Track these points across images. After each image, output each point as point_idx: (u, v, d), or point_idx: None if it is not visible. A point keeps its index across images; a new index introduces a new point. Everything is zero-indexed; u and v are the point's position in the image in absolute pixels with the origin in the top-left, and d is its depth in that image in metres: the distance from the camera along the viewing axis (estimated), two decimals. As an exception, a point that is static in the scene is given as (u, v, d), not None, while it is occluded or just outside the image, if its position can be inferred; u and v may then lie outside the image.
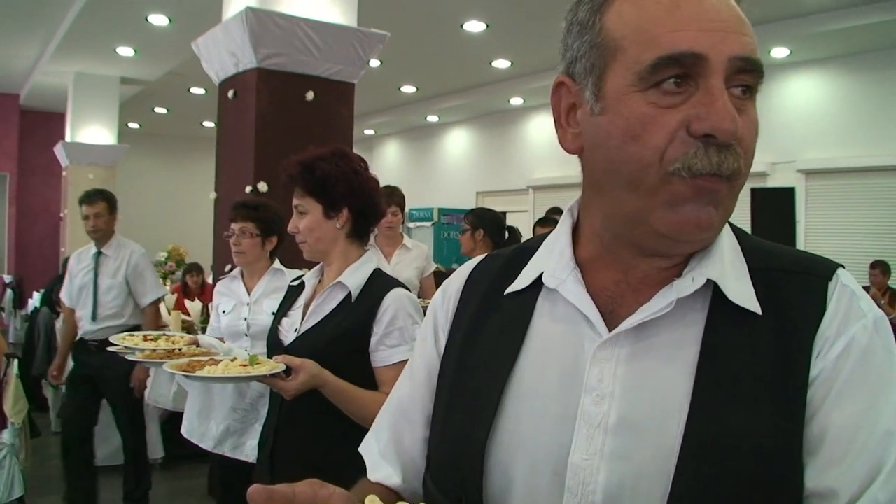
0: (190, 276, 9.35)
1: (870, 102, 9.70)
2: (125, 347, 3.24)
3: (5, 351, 5.84)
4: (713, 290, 0.93)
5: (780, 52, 9.92)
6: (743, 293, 0.92)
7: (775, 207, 8.43)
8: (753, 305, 0.91)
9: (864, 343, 0.88)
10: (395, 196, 5.49)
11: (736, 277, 0.94)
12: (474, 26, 9.80)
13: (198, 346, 3.02)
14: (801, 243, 9.47)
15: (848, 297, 0.91)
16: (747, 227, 7.41)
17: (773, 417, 0.86)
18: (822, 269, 0.94)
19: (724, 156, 0.87)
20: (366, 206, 2.56)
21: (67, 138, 12.98)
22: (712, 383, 0.88)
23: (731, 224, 1.00)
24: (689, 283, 0.93)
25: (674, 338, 0.93)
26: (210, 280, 9.11)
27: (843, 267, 0.95)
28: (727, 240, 0.98)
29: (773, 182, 10.20)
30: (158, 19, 9.47)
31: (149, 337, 3.39)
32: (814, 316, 0.90)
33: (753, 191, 8.72)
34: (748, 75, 0.90)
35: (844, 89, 9.99)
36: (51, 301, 8.70)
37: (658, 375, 0.92)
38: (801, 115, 10.30)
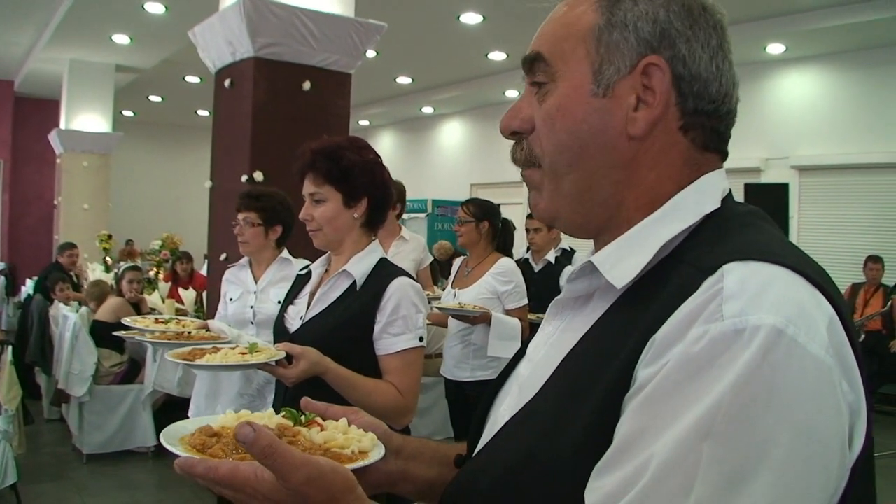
0: (180, 264, 9.36)
1: (864, 99, 9.74)
2: (137, 330, 3.27)
3: (-1, 338, 5.85)
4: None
5: (775, 49, 9.95)
6: (620, 272, 0.91)
7: (769, 203, 8.44)
8: (620, 281, 0.90)
9: (692, 352, 0.75)
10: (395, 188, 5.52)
11: (628, 259, 0.91)
12: (470, 18, 9.81)
13: (208, 330, 3.04)
14: (794, 239, 9.51)
15: (710, 297, 0.77)
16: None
17: (583, 421, 0.83)
18: (712, 261, 0.81)
19: (514, 148, 1.04)
20: (382, 197, 2.58)
21: (62, 126, 12.95)
22: (559, 372, 0.93)
23: (732, 213, 0.93)
24: (583, 265, 0.99)
25: (584, 317, 0.97)
26: (203, 269, 9.12)
27: (756, 261, 0.79)
28: (647, 226, 0.93)
29: (767, 178, 10.24)
30: (154, 7, 9.46)
31: (160, 320, 3.41)
32: (665, 316, 0.80)
33: (747, 186, 8.75)
34: (531, 73, 1.01)
35: (839, 86, 10.02)
36: (45, 288, 8.69)
37: (556, 351, 0.97)
38: (796, 112, 10.34)
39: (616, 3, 0.95)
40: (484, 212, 4.81)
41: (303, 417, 1.23)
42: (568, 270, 1.13)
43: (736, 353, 0.71)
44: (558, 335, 1.02)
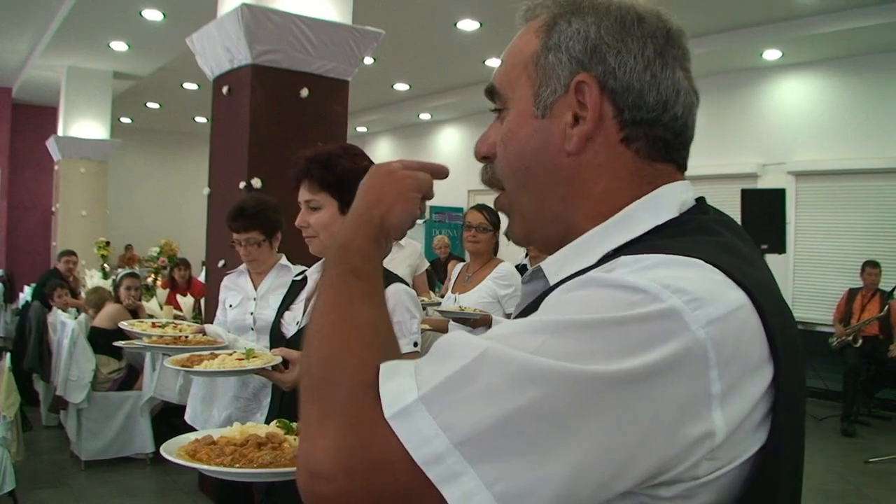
0: (177, 271, 9.35)
1: (861, 105, 9.77)
2: (134, 335, 3.28)
3: (-3, 344, 5.85)
4: None
5: (771, 55, 9.98)
6: (560, 276, 0.94)
7: (765, 208, 8.47)
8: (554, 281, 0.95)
9: (564, 288, 0.82)
10: None
11: (572, 265, 0.94)
12: (468, 25, 9.83)
13: (204, 334, 3.05)
14: (791, 244, 9.53)
15: (604, 268, 0.84)
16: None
17: None
18: (634, 251, 0.85)
19: (482, 171, 1.09)
20: None
21: (60, 132, 12.95)
22: None
23: (688, 221, 0.95)
24: (534, 269, 1.06)
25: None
26: (201, 276, 9.12)
27: (669, 254, 0.82)
28: (594, 235, 0.96)
29: (764, 183, 10.25)
30: (152, 14, 9.47)
31: (157, 324, 3.42)
32: None
33: (744, 192, 8.77)
34: (492, 101, 1.06)
35: (835, 92, 10.05)
36: (43, 295, 8.69)
37: None
38: (792, 117, 10.36)
39: (552, 27, 0.98)
40: (497, 219, 4.79)
41: (294, 425, 1.30)
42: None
43: (605, 295, 0.76)
44: None
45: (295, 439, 1.29)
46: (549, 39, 0.98)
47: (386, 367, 0.77)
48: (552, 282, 0.95)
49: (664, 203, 0.95)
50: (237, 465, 1.24)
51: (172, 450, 1.31)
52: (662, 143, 0.97)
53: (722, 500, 0.78)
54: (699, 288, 0.76)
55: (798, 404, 0.83)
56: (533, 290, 1.03)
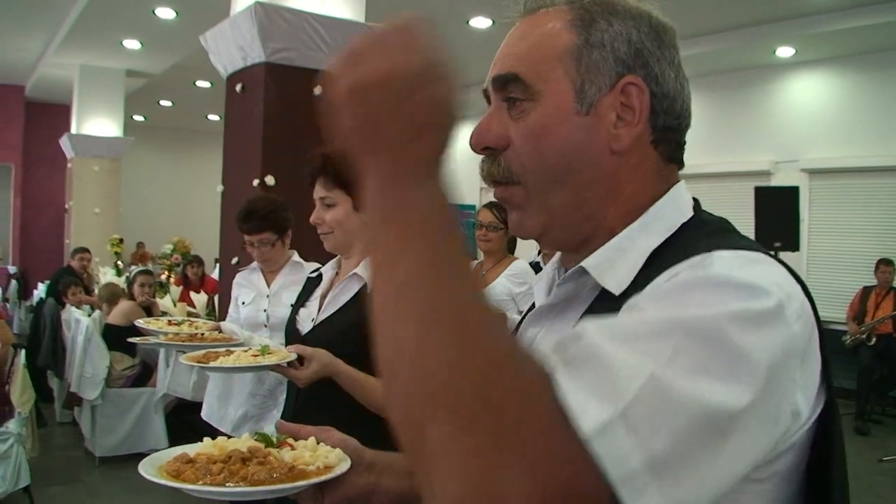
0: (190, 268, 9.38)
1: (874, 103, 9.72)
2: (150, 333, 3.29)
3: (11, 341, 5.89)
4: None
5: (784, 52, 9.93)
6: (616, 278, 0.94)
7: (779, 206, 8.43)
8: (618, 288, 0.93)
9: (676, 279, 0.81)
10: None
11: (619, 265, 0.95)
12: (480, 22, 9.82)
13: (220, 332, 3.06)
14: (805, 242, 9.48)
15: (697, 260, 0.82)
16: (751, 226, 7.31)
17: None
18: (702, 250, 0.85)
19: (488, 164, 1.04)
20: None
21: (73, 130, 13.02)
22: None
23: (706, 220, 1.00)
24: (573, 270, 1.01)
25: (567, 317, 1.01)
26: (214, 273, 9.15)
27: (743, 250, 0.85)
28: (632, 234, 0.98)
29: (777, 181, 10.21)
30: (165, 12, 9.51)
31: (173, 322, 3.43)
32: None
33: (757, 189, 8.73)
34: (503, 90, 1.03)
35: (849, 89, 10.00)
36: (56, 292, 8.73)
37: None
38: (805, 115, 10.31)
39: (591, 24, 0.98)
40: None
41: (275, 439, 1.31)
42: (536, 280, 1.15)
43: (723, 291, 0.76)
44: (540, 339, 1.05)
45: (279, 452, 1.29)
46: (591, 36, 0.98)
47: (556, 376, 0.69)
48: (603, 282, 0.95)
49: (684, 201, 1.01)
50: (229, 484, 1.22)
51: (152, 470, 1.28)
52: (678, 147, 1.03)
53: (794, 464, 0.83)
54: (784, 283, 0.81)
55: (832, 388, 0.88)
56: (566, 291, 1.03)
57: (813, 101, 10.30)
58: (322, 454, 1.27)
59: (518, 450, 0.63)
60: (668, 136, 1.00)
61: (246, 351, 2.47)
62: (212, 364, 2.37)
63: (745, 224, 8.16)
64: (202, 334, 3.03)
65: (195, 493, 1.23)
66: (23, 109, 15.35)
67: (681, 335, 0.71)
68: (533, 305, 1.17)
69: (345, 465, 1.25)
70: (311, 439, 1.32)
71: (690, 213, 0.99)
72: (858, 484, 6.52)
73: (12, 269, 14.38)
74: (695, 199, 1.04)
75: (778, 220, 8.18)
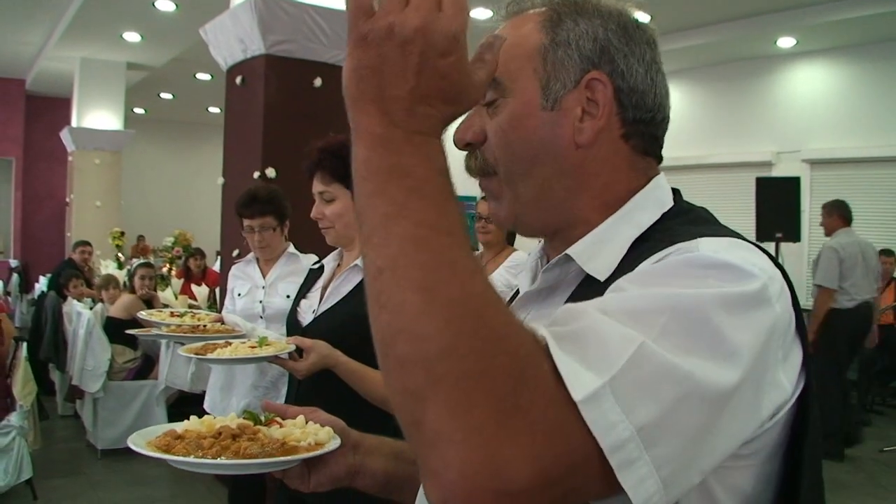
0: (193, 260, 9.39)
1: (875, 93, 9.70)
2: (152, 324, 3.28)
3: (13, 334, 5.89)
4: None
5: (786, 42, 9.90)
6: (600, 265, 0.99)
7: (780, 197, 8.40)
8: (602, 274, 0.98)
9: (666, 260, 0.86)
10: None
11: (603, 252, 1.00)
12: (480, 13, 9.78)
13: (223, 323, 3.07)
14: (806, 233, 9.45)
15: (683, 246, 0.87)
16: (752, 216, 7.30)
17: None
18: (686, 237, 0.89)
19: (468, 158, 1.09)
20: None
21: (73, 123, 13.01)
22: None
23: (686, 209, 1.05)
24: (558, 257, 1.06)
25: (553, 302, 1.04)
26: (216, 265, 9.15)
27: (726, 237, 0.90)
28: (615, 223, 1.02)
29: (778, 171, 10.19)
30: (165, 5, 9.48)
31: (175, 313, 3.43)
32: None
33: (758, 180, 8.70)
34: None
35: (850, 79, 9.97)
36: (58, 285, 8.74)
37: None
38: (807, 105, 10.29)
39: (558, 24, 1.02)
40: None
41: (263, 418, 1.31)
42: (522, 267, 1.21)
43: (710, 272, 0.80)
44: (527, 323, 1.07)
45: (268, 429, 1.30)
46: (557, 35, 1.02)
47: (549, 343, 0.72)
48: (589, 269, 0.99)
49: (663, 193, 1.06)
50: (222, 457, 1.21)
51: (142, 443, 1.28)
52: (654, 140, 1.07)
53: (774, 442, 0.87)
54: (766, 266, 0.85)
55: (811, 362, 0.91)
56: (553, 278, 1.07)
57: (814, 92, 10.27)
58: (311, 431, 1.28)
59: (519, 424, 0.65)
60: (639, 129, 1.04)
61: (244, 342, 2.47)
62: (209, 355, 2.37)
63: (746, 215, 8.16)
64: (205, 326, 3.03)
65: (188, 466, 1.22)
66: (23, 103, 15.32)
67: (670, 313, 0.75)
68: (517, 294, 1.20)
69: (335, 443, 1.26)
70: (300, 417, 1.33)
71: (671, 204, 1.04)
72: (859, 474, 6.53)
73: (14, 263, 14.39)
74: (675, 190, 1.08)
75: (779, 210, 8.16)
